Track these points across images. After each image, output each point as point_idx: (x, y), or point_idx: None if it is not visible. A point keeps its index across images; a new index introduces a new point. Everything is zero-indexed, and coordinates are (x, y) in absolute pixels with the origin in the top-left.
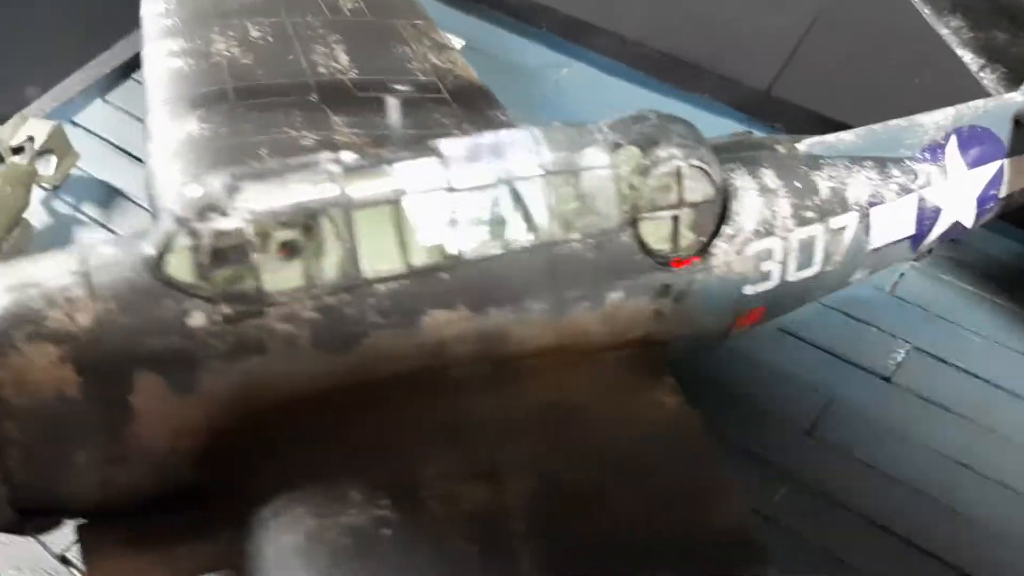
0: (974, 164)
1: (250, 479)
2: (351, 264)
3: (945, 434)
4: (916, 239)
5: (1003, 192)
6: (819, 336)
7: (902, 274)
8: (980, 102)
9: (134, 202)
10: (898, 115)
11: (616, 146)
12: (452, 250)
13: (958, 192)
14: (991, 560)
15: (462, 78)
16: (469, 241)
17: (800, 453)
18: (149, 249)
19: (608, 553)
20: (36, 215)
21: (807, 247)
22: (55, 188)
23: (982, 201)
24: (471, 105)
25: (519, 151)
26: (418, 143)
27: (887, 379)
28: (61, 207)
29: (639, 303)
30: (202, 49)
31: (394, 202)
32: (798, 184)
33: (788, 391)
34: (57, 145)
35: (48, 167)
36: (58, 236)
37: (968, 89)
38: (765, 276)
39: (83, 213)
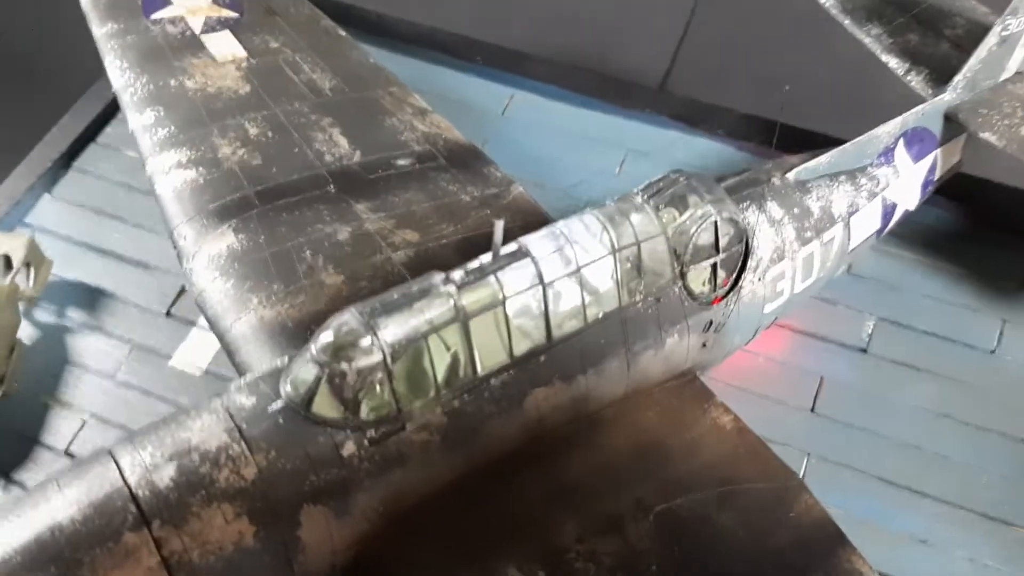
0: (917, 159)
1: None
2: (470, 367)
3: (921, 391)
4: (880, 231)
5: (937, 175)
6: (799, 321)
7: None
8: (919, 107)
9: (117, 299)
10: (793, 92)
11: (657, 210)
12: (546, 334)
13: (908, 184)
14: (978, 496)
15: (450, 140)
16: (558, 322)
17: (809, 429)
18: (291, 392)
19: (729, 566)
20: (23, 331)
21: (808, 262)
22: (32, 300)
23: (924, 186)
24: (467, 166)
25: (587, 235)
26: (514, 250)
27: (864, 350)
28: (45, 317)
29: (690, 341)
30: (210, 156)
31: (500, 305)
32: (796, 210)
33: (785, 376)
34: (32, 257)
35: (24, 280)
36: (52, 349)
37: (854, 59)
38: (779, 294)
39: (69, 319)
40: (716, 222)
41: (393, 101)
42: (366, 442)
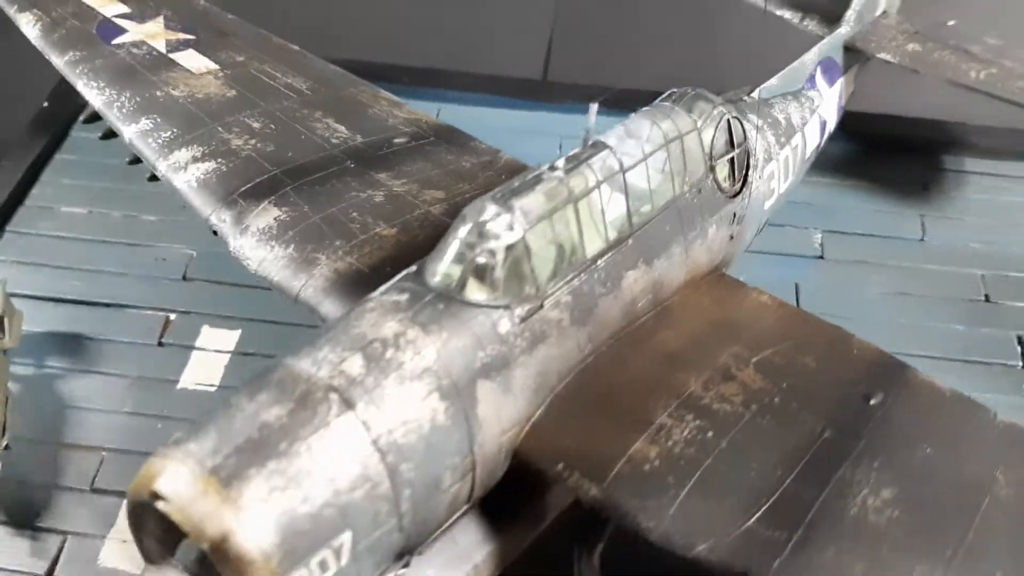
0: (830, 83)
1: (566, 450)
2: (581, 248)
3: (877, 280)
4: (817, 148)
5: (844, 100)
6: (761, 244)
7: None
8: (826, 39)
9: (97, 340)
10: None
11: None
12: (628, 220)
13: (829, 105)
14: (952, 346)
15: (431, 123)
16: (635, 209)
17: None
18: (440, 282)
19: (828, 393)
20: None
21: (786, 163)
22: (5, 352)
23: (838, 109)
24: (454, 141)
25: (640, 134)
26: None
27: (821, 257)
28: (24, 371)
29: (723, 232)
30: (224, 148)
31: (596, 190)
32: (770, 119)
33: (767, 288)
34: (5, 307)
35: (1, 331)
36: (43, 397)
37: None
38: (772, 192)
39: (53, 368)
40: (729, 120)
41: (369, 96)
42: (516, 319)
